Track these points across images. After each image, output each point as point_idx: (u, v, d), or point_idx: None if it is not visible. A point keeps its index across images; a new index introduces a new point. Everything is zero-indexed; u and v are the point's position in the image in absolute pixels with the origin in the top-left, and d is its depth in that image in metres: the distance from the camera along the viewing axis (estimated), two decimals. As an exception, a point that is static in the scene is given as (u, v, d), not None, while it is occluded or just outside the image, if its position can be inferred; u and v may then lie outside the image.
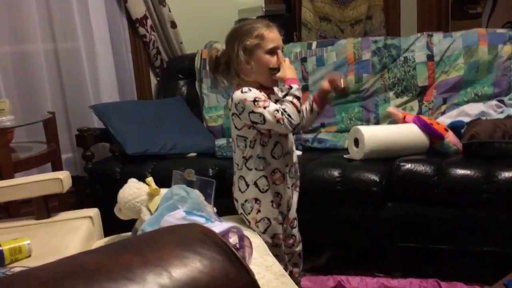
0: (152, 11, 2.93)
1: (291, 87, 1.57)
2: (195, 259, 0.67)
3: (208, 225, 1.18)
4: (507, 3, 5.15)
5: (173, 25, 3.00)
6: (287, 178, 1.66)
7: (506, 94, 2.31)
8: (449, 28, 3.65)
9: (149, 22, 2.93)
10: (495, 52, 2.36)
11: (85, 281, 0.55)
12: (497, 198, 1.81)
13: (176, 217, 1.24)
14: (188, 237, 0.72)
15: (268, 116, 1.50)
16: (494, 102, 2.29)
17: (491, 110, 2.26)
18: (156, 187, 1.52)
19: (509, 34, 2.39)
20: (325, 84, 1.69)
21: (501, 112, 2.24)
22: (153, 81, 3.11)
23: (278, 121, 1.50)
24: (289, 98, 1.55)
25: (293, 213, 1.72)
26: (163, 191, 1.53)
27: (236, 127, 1.62)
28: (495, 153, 1.96)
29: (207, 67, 1.70)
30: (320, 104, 1.69)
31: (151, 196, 1.54)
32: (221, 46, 1.73)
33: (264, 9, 3.10)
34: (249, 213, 1.64)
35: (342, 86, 1.66)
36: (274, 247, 1.63)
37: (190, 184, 1.46)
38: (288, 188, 1.67)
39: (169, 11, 2.97)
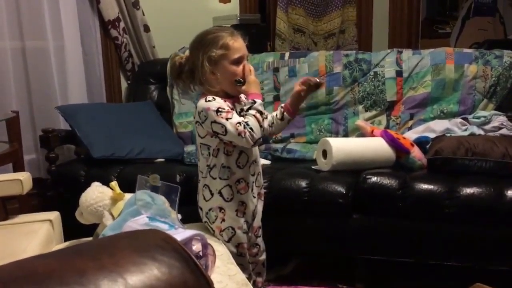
0: (125, 13, 2.90)
1: (254, 102, 1.56)
2: (152, 266, 0.66)
3: (171, 232, 1.16)
4: (474, 25, 5.33)
5: (146, 28, 2.97)
6: (252, 187, 1.65)
7: (471, 112, 2.38)
8: (418, 46, 3.74)
9: (122, 24, 2.90)
10: (461, 71, 2.43)
11: (34, 286, 0.53)
12: (458, 213, 1.85)
13: (139, 222, 1.22)
14: (147, 243, 0.71)
15: (230, 128, 1.49)
16: (458, 120, 2.35)
17: (456, 127, 2.32)
18: (120, 191, 1.49)
19: (475, 54, 2.46)
20: (297, 85, 1.66)
21: (465, 130, 2.29)
22: (124, 84, 3.06)
23: (239, 134, 1.49)
24: (252, 112, 1.54)
25: (258, 222, 1.71)
26: (127, 196, 1.51)
27: (199, 135, 1.60)
28: (458, 169, 2.01)
29: (170, 73, 1.67)
30: (292, 112, 1.67)
31: (114, 200, 1.51)
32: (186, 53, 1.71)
33: (238, 18, 3.10)
34: (213, 222, 1.62)
35: (316, 82, 1.64)
36: (239, 256, 1.62)
37: (155, 189, 1.44)
38: (254, 197, 1.66)
39: (143, 14, 2.94)
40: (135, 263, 0.65)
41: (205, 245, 1.22)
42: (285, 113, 1.67)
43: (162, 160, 2.43)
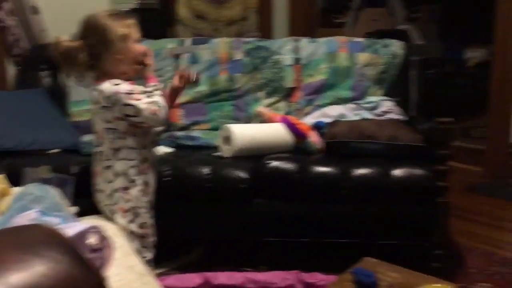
0: (10, -7, 2.68)
1: (155, 85, 1.61)
2: (37, 262, 0.62)
3: (64, 225, 1.11)
4: (367, 15, 5.66)
5: (35, 10, 2.77)
6: (154, 167, 1.70)
7: (362, 98, 2.52)
8: (316, 35, 3.89)
9: (8, 5, 2.67)
10: (353, 59, 2.56)
11: None
12: (352, 193, 1.97)
13: (27, 218, 1.15)
14: (31, 239, 0.67)
15: (143, 108, 1.52)
16: (351, 105, 2.49)
17: (349, 112, 2.45)
18: (6, 186, 1.39)
19: (365, 44, 2.61)
20: (176, 80, 1.75)
21: (357, 114, 2.44)
22: (11, 70, 2.83)
23: (153, 113, 1.53)
24: (157, 92, 1.59)
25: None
26: (16, 190, 1.41)
27: (106, 120, 1.59)
28: (352, 152, 2.14)
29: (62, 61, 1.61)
30: (170, 101, 1.74)
31: (1, 196, 1.40)
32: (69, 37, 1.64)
33: (137, 1, 3.00)
34: (116, 203, 1.62)
35: (194, 79, 1.74)
36: (142, 238, 1.65)
37: (46, 182, 1.36)
38: (153, 177, 1.71)
39: (31, -5, 2.74)
40: (17, 260, 0.62)
41: (102, 238, 1.18)
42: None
43: (57, 151, 2.29)
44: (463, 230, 2.60)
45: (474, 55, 5.65)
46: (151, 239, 1.71)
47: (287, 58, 2.61)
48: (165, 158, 2.12)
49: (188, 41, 2.71)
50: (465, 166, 3.64)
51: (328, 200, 2.01)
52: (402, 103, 2.54)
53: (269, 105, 2.58)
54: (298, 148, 2.25)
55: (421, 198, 1.95)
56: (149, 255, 1.67)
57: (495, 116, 3.29)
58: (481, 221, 2.75)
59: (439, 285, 1.19)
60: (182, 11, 3.40)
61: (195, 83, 1.76)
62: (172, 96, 1.75)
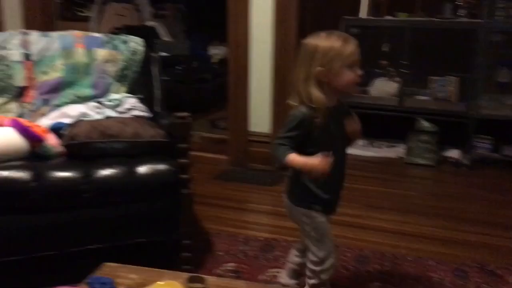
0: None
1: None
2: None
3: None
4: (113, 10, 5.53)
5: None
6: None
7: (104, 95, 2.44)
8: (57, 28, 3.60)
9: None
10: (91, 55, 2.44)
11: None
12: (95, 197, 1.88)
13: None
14: None
15: None
16: (93, 104, 2.38)
17: (91, 111, 2.33)
18: None
19: (103, 39, 2.52)
20: None
21: (101, 113, 2.34)
22: None
23: None
24: None
25: None
26: None
27: None
28: (95, 153, 2.04)
29: None
30: None
31: None
32: None
33: None
34: None
35: None
36: None
37: None
38: None
39: None
40: None
41: None
42: None
43: None
44: (212, 216, 2.79)
45: (217, 52, 6.11)
46: None
47: (14, 54, 2.34)
48: None
49: None
50: (213, 155, 3.92)
51: (70, 207, 1.87)
52: (147, 100, 2.55)
53: (-3, 108, 2.27)
54: (36, 154, 2.04)
55: (166, 193, 1.98)
56: None
57: (234, 107, 3.61)
58: (227, 206, 2.99)
59: (162, 282, 1.22)
60: None
61: None
62: None
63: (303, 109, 1.62)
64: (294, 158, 1.58)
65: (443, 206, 3.04)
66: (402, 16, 4.11)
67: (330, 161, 1.54)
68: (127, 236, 1.95)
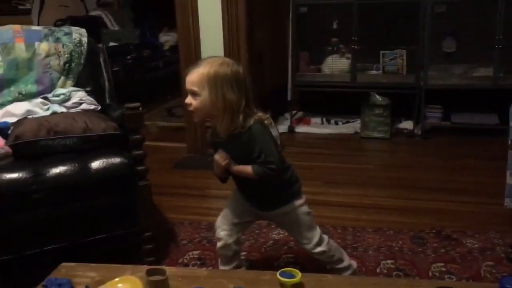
0: None
1: None
2: None
3: None
4: (55, 1, 5.31)
5: None
6: None
7: (50, 91, 2.35)
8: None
9: None
10: (33, 50, 2.34)
11: None
12: (47, 196, 1.82)
13: None
14: None
15: None
16: (39, 100, 2.29)
17: (37, 108, 2.25)
18: None
19: (44, 32, 2.41)
20: None
21: (48, 109, 2.26)
22: None
23: None
24: None
25: None
26: None
27: None
28: (44, 151, 1.96)
29: None
30: None
31: None
32: None
33: None
34: None
35: None
36: None
37: None
38: None
39: None
40: None
41: None
42: None
43: None
44: (173, 206, 2.76)
45: (168, 39, 6.00)
46: None
47: None
48: None
49: None
50: (171, 144, 3.87)
51: (20, 209, 1.80)
52: (96, 92, 2.47)
53: None
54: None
55: (122, 186, 1.94)
56: None
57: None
58: (189, 194, 2.97)
59: (117, 279, 1.20)
60: None
61: None
62: None
63: None
64: None
65: (399, 176, 3.13)
66: (349, -8, 4.14)
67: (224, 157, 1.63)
68: (86, 233, 1.91)
